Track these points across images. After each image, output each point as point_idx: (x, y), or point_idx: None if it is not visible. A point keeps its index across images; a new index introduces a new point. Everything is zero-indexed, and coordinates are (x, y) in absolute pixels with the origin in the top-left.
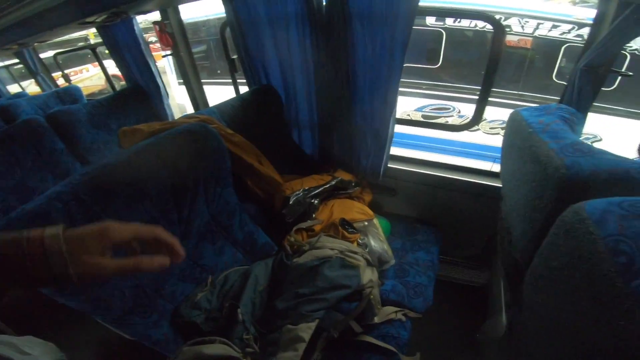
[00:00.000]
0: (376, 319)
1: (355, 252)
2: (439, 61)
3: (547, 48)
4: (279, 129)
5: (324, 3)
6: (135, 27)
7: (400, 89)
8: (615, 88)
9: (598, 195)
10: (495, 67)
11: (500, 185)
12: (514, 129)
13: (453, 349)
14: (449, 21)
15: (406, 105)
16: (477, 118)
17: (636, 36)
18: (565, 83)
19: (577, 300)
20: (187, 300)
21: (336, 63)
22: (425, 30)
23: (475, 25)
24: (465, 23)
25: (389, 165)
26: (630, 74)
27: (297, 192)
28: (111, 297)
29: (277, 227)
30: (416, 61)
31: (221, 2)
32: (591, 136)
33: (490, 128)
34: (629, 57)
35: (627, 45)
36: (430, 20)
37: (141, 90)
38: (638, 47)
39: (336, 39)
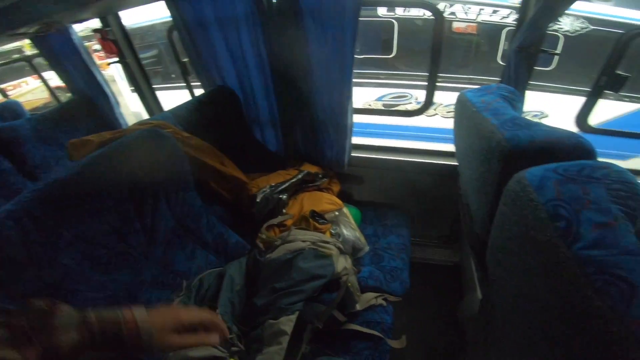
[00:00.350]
0: (358, 306)
1: (327, 242)
2: (393, 51)
3: (491, 32)
4: (240, 128)
5: (274, 1)
6: (74, 36)
7: (360, 80)
8: (555, 67)
9: (537, 164)
10: (438, 53)
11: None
12: (461, 109)
13: (436, 329)
14: (399, 11)
15: (367, 95)
16: (428, 103)
17: (556, 18)
18: None
19: (530, 269)
20: None
21: (291, 59)
22: (378, 21)
23: (424, 14)
24: (415, 12)
25: (353, 155)
26: (558, 52)
27: (264, 189)
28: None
29: (247, 226)
30: (372, 52)
31: (165, 6)
32: (539, 113)
33: (447, 112)
34: (562, 37)
35: (559, 26)
36: (382, 11)
37: (89, 101)
38: (569, 29)
39: (289, 35)
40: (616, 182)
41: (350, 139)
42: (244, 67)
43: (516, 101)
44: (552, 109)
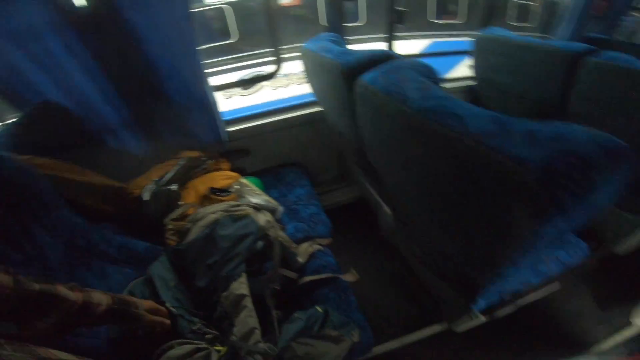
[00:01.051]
0: (300, 259)
1: (239, 205)
2: (235, 35)
3: (311, 2)
4: (81, 142)
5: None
6: None
7: (213, 70)
8: (367, 22)
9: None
10: (274, 26)
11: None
12: (307, 59)
13: (373, 255)
14: None
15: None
16: (277, 70)
17: None
18: None
19: (400, 141)
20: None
21: (126, 55)
22: (209, 10)
23: None
24: None
25: (231, 130)
26: None
27: (149, 186)
28: None
29: (149, 230)
30: (215, 40)
31: None
32: None
33: (298, 79)
34: None
35: None
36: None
37: None
38: None
39: (116, 33)
40: (418, 66)
41: (219, 116)
42: (63, 76)
43: (340, 42)
44: None
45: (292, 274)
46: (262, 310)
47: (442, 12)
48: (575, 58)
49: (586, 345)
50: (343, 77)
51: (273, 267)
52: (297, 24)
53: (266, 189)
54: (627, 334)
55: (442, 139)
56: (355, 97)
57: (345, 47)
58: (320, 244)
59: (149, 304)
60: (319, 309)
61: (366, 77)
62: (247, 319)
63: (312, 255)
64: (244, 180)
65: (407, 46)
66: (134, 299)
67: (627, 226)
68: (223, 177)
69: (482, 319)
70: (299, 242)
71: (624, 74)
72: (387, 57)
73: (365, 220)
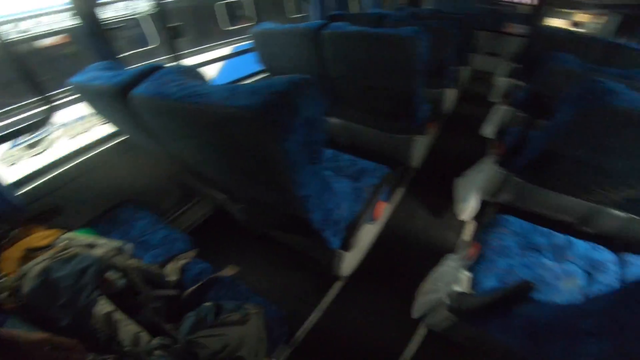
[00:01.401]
0: (172, 277)
1: (64, 249)
2: None
3: (79, 37)
4: None
5: None
6: None
7: None
8: (163, 42)
9: (137, 85)
10: (25, 72)
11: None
12: (81, 93)
13: (253, 249)
14: None
15: None
16: (48, 117)
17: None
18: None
19: (184, 132)
20: None
21: None
22: None
23: None
24: None
25: (27, 189)
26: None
27: None
28: None
29: None
30: None
31: None
32: None
33: (99, 119)
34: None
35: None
36: None
37: None
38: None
39: None
40: (180, 69)
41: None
42: None
43: (113, 67)
44: None
45: (171, 292)
46: (155, 330)
47: (236, 19)
48: (315, 33)
49: (448, 249)
50: (118, 97)
51: (146, 296)
52: (66, 62)
53: (103, 236)
54: (469, 229)
55: (199, 113)
56: (137, 110)
57: (117, 70)
58: (185, 258)
59: (41, 338)
60: (207, 303)
61: (138, 90)
62: (127, 327)
63: (183, 270)
64: (70, 234)
65: (211, 56)
66: (11, 333)
67: (404, 145)
68: (40, 237)
69: (345, 253)
70: (162, 265)
71: (343, 37)
72: (154, 68)
73: (231, 222)
